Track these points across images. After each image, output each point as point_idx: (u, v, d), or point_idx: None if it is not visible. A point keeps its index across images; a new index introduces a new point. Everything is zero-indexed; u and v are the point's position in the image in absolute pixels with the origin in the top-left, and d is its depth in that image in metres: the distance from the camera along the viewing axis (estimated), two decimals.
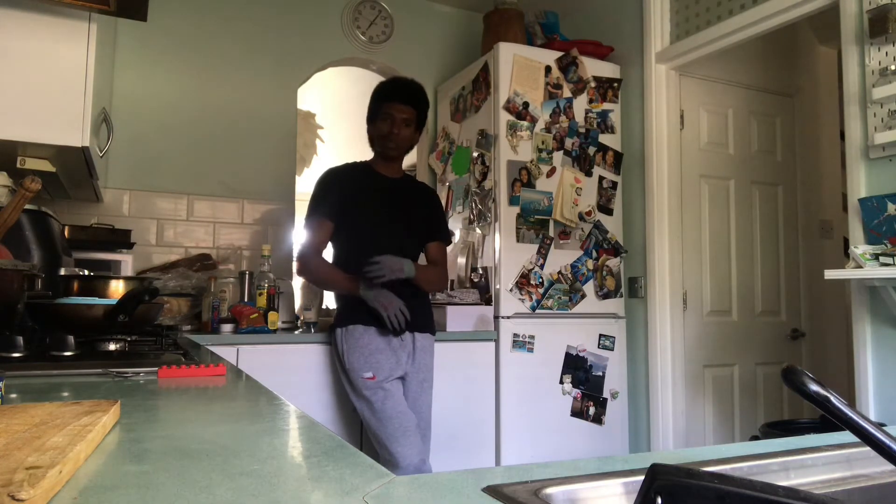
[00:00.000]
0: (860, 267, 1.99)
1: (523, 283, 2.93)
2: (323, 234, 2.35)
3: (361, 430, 2.43)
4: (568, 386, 2.96)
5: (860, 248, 2.02)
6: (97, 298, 1.45)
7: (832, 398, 0.48)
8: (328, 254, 2.42)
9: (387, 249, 2.29)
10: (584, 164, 3.10)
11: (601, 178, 3.14)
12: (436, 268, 2.49)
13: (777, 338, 3.29)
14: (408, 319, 2.25)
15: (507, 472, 0.56)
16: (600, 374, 3.03)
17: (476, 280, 3.04)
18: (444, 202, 3.40)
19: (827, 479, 0.66)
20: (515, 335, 2.89)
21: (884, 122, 2.07)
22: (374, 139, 2.41)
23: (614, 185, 3.17)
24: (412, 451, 2.16)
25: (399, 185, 2.45)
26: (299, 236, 2.44)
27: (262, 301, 2.64)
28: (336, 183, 2.38)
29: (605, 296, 3.10)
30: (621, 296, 3.14)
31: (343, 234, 2.37)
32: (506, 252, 2.92)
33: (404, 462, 2.14)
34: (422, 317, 2.39)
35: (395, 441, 2.17)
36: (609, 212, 3.14)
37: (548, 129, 3.05)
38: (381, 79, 2.85)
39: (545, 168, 3.02)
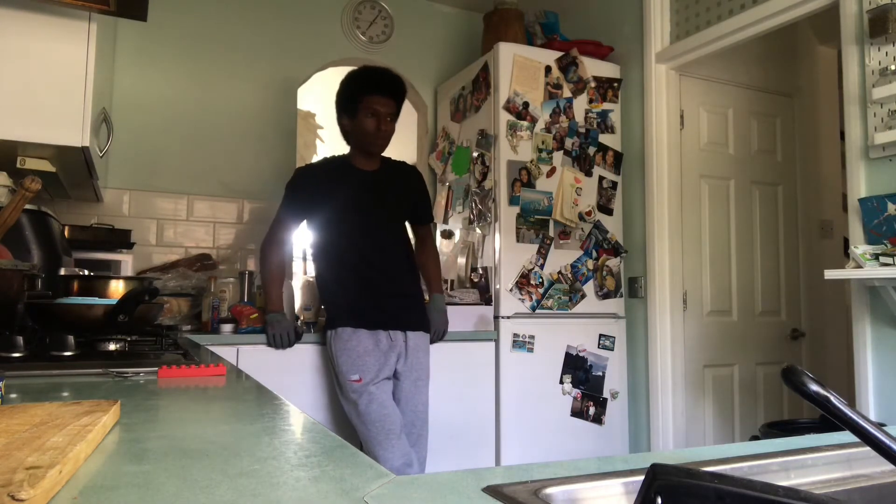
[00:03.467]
0: (860, 267, 1.99)
1: (523, 283, 2.93)
2: (287, 231, 2.43)
3: None
4: (568, 386, 2.96)
5: (860, 248, 2.02)
6: (97, 298, 1.45)
7: (832, 398, 0.48)
8: (325, 247, 2.43)
9: (367, 244, 2.32)
10: (584, 164, 3.10)
11: (601, 178, 3.14)
12: (433, 259, 2.58)
13: (777, 338, 3.29)
14: (299, 336, 2.47)
15: (507, 472, 0.56)
16: (600, 374, 3.03)
17: (476, 280, 3.04)
18: (444, 202, 3.41)
19: (827, 479, 0.66)
20: (515, 335, 2.89)
21: (884, 122, 2.07)
22: (355, 135, 2.33)
23: (614, 185, 3.17)
24: (394, 455, 2.16)
25: (377, 177, 2.40)
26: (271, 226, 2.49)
27: (262, 301, 2.64)
28: (307, 185, 2.36)
29: (605, 296, 3.10)
30: (621, 296, 3.14)
31: (323, 230, 2.38)
32: (506, 252, 2.92)
33: (386, 466, 2.14)
34: (414, 315, 2.38)
35: (378, 444, 2.17)
36: (609, 212, 3.14)
37: (548, 129, 3.05)
38: None
39: (545, 168, 3.02)
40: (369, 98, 2.27)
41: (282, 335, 2.42)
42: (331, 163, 2.45)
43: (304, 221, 2.44)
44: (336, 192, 2.34)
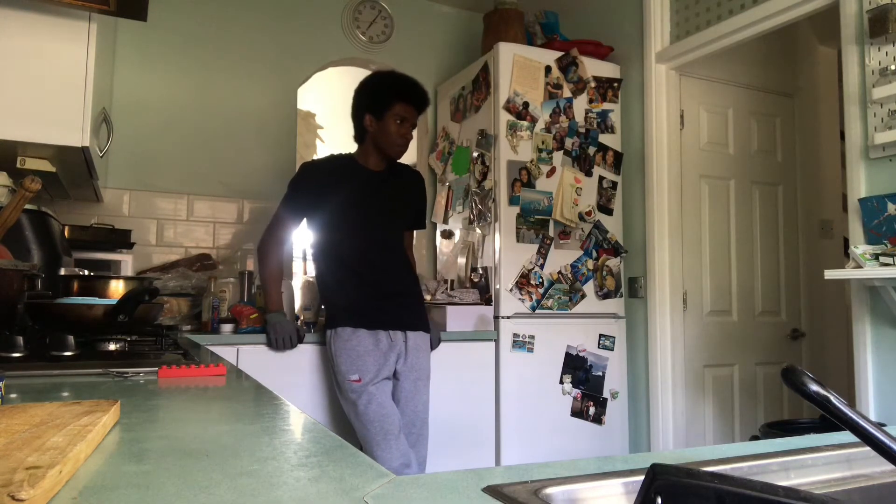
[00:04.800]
0: (860, 267, 1.99)
1: (523, 283, 2.93)
2: (288, 228, 2.42)
3: None
4: (568, 386, 2.96)
5: (860, 248, 2.02)
6: (97, 298, 1.45)
7: (832, 398, 0.48)
8: (326, 246, 2.41)
9: (369, 244, 2.32)
10: (584, 164, 3.10)
11: (601, 178, 3.14)
12: (411, 259, 2.55)
13: (777, 338, 3.28)
14: (301, 338, 2.46)
15: (507, 472, 0.56)
16: (600, 374, 3.03)
17: (476, 280, 3.04)
18: (444, 202, 3.41)
19: (827, 479, 0.66)
20: (515, 335, 2.89)
21: (884, 122, 2.07)
22: (377, 136, 2.33)
23: (614, 185, 3.17)
24: (392, 456, 2.16)
25: (382, 177, 2.40)
26: (271, 221, 2.48)
27: (261, 301, 2.63)
28: (312, 180, 2.36)
29: (605, 296, 3.10)
30: (621, 296, 3.14)
31: (325, 229, 2.37)
32: (506, 252, 2.92)
33: (384, 466, 2.13)
34: (413, 315, 2.37)
35: (377, 445, 2.17)
36: (609, 212, 3.14)
37: (548, 129, 3.05)
38: None
39: (545, 168, 3.02)
40: (402, 106, 2.29)
41: (284, 339, 2.41)
42: (337, 160, 2.44)
43: (305, 220, 2.44)
44: (340, 190, 2.33)
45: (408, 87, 2.35)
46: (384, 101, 2.30)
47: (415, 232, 2.65)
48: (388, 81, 2.38)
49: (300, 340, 2.47)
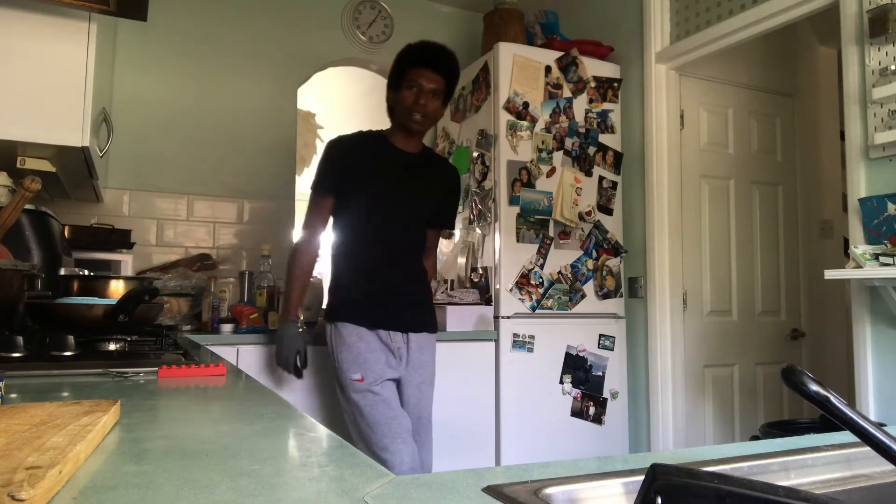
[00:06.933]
0: (860, 267, 1.99)
1: (523, 283, 2.93)
2: (323, 211, 2.20)
3: None
4: (568, 386, 2.96)
5: (860, 248, 2.02)
6: (97, 298, 1.45)
7: (832, 398, 0.48)
8: (346, 228, 2.24)
9: (389, 230, 2.17)
10: (584, 164, 3.10)
11: (601, 178, 3.14)
12: (431, 269, 2.40)
13: (777, 338, 3.29)
14: (304, 365, 2.21)
15: (507, 472, 0.56)
16: (600, 374, 3.03)
17: (476, 280, 3.04)
18: None
19: (827, 479, 0.66)
20: (515, 335, 2.89)
21: (884, 122, 2.07)
22: (396, 109, 2.17)
23: (614, 185, 3.17)
24: (401, 459, 2.01)
25: (415, 161, 2.22)
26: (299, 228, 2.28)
27: (262, 301, 2.64)
28: (340, 154, 2.18)
29: (605, 296, 3.10)
30: (621, 296, 3.14)
31: (346, 209, 2.19)
32: (506, 252, 2.92)
33: (394, 470, 1.98)
34: (418, 316, 2.23)
35: (384, 449, 2.02)
36: (609, 212, 3.14)
37: (548, 129, 3.05)
38: (382, 79, 2.71)
39: (545, 168, 3.02)
40: (413, 70, 2.12)
41: (288, 357, 2.20)
42: (367, 136, 2.24)
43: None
44: (368, 164, 2.16)
45: (423, 50, 2.15)
46: (400, 71, 2.15)
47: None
48: (405, 51, 2.18)
49: (304, 366, 2.23)
